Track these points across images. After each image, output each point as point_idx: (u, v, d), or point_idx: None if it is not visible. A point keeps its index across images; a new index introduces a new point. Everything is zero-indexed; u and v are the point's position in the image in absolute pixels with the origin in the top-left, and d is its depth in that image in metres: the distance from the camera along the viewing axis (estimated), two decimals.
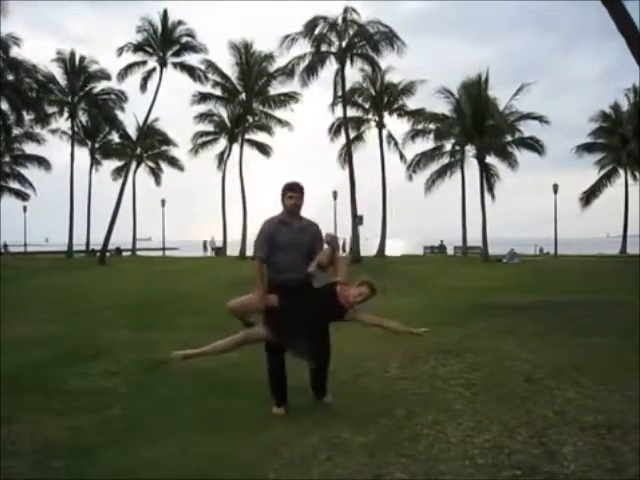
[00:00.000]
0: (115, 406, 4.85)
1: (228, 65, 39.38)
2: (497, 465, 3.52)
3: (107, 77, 40.46)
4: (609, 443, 3.83)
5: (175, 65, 35.73)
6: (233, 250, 42.33)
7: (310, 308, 4.50)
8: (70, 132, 41.73)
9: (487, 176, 34.27)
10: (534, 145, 34.48)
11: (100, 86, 41.50)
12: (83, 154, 45.01)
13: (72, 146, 41.69)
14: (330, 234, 4.80)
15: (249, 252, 39.22)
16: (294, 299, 4.51)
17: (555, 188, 38.59)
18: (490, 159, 35.00)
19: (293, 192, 4.75)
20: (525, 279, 18.23)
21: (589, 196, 41.62)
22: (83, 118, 42.64)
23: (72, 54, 40.83)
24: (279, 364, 4.75)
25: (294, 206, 4.75)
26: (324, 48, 32.54)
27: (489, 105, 33.69)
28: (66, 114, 41.19)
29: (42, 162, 43.47)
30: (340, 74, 32.77)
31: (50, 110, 40.31)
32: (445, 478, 3.39)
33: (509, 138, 34.98)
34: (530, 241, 52.98)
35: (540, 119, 33.92)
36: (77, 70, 40.61)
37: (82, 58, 41.01)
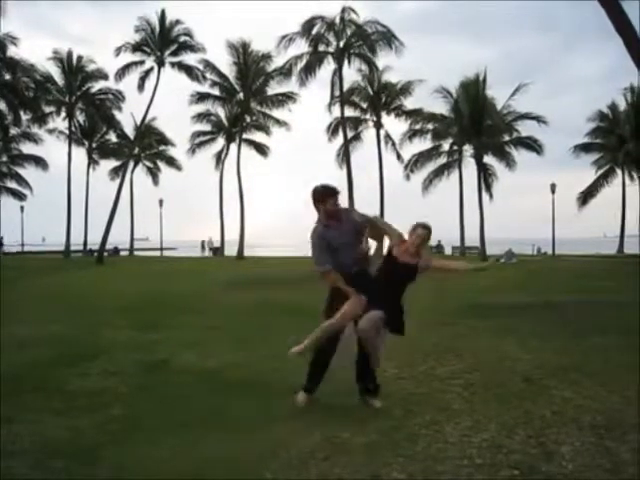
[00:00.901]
0: (115, 406, 4.86)
1: (226, 65, 39.47)
2: (495, 465, 3.54)
3: (104, 77, 40.43)
4: (607, 443, 3.85)
5: (173, 65, 35.75)
6: (231, 250, 42.33)
7: (392, 282, 4.63)
8: (67, 132, 41.74)
9: (485, 176, 34.35)
10: (532, 145, 34.62)
11: (97, 86, 41.56)
12: (80, 154, 45.09)
13: (69, 146, 41.73)
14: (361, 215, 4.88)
15: (247, 252, 39.35)
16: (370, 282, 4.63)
17: (553, 188, 38.66)
18: (488, 159, 35.12)
19: (335, 198, 4.76)
20: (523, 279, 18.27)
21: (586, 196, 41.69)
22: (80, 118, 42.71)
23: (69, 53, 40.83)
24: (331, 351, 4.81)
25: (337, 212, 4.78)
26: (322, 48, 32.61)
27: (487, 105, 33.78)
28: (63, 114, 41.20)
29: (39, 162, 43.55)
30: (338, 74, 32.82)
31: (47, 110, 40.35)
32: (443, 478, 3.40)
33: (507, 138, 35.07)
34: (528, 241, 53.07)
35: (538, 119, 34.07)
36: (74, 70, 40.57)
37: (79, 58, 41.02)
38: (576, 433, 4.04)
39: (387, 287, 4.65)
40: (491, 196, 34.91)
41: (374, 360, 4.67)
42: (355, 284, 4.61)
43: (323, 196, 4.74)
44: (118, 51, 34.86)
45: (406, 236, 4.77)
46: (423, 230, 4.69)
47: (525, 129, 34.84)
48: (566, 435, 4.00)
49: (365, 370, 4.84)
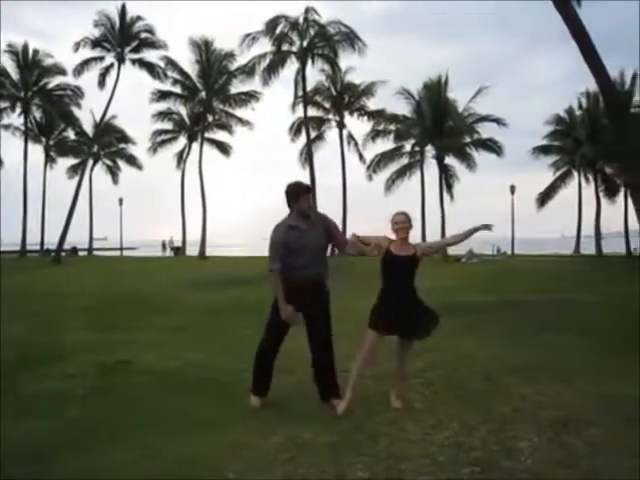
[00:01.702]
0: (74, 409, 4.75)
1: (188, 63, 39.02)
2: (457, 462, 3.58)
3: (62, 72, 39.52)
4: (564, 438, 3.94)
5: (133, 61, 35.18)
6: (192, 250, 41.87)
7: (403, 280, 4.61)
8: (23, 128, 40.60)
9: (446, 177, 34.81)
10: (492, 146, 35.19)
11: (55, 81, 40.59)
12: (37, 151, 43.99)
13: (25, 142, 40.59)
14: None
15: (209, 252, 38.96)
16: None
17: (512, 189, 39.42)
18: (449, 160, 35.59)
19: (308, 195, 4.71)
20: (484, 279, 18.57)
21: (545, 197, 42.57)
22: (37, 114, 41.58)
23: (25, 47, 39.73)
24: (273, 346, 4.78)
25: (310, 209, 4.73)
26: (285, 47, 32.55)
27: (449, 107, 34.21)
28: (19, 109, 40.08)
29: None
30: (301, 74, 32.81)
31: (2, 105, 39.21)
32: (405, 476, 3.42)
33: (468, 139, 35.60)
34: (487, 241, 53.98)
35: (498, 121, 34.65)
36: (30, 64, 39.49)
37: (35, 51, 39.95)
38: (534, 429, 4.12)
39: (399, 287, 4.62)
40: (452, 197, 35.40)
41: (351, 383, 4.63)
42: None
43: (297, 193, 4.69)
44: (77, 46, 34.15)
45: (391, 234, 4.75)
46: (400, 216, 4.67)
47: (485, 131, 35.47)
48: (525, 431, 4.08)
49: (321, 371, 4.80)
